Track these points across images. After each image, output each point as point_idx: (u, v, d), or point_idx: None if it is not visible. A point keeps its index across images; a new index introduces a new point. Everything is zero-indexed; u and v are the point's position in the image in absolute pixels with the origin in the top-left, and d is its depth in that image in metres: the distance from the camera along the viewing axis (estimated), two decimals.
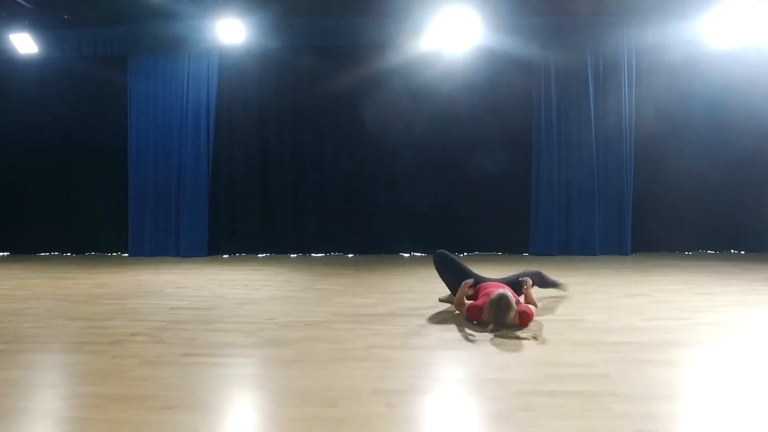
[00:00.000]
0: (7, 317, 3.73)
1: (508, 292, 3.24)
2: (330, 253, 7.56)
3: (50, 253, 7.81)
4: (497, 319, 3.09)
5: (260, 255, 7.52)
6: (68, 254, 7.73)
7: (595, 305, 3.80)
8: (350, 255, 7.46)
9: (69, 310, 3.96)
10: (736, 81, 6.87)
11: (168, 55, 7.29)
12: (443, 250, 3.93)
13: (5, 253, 7.86)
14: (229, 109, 7.46)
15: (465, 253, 7.38)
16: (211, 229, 7.44)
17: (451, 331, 3.20)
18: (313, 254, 7.52)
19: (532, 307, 3.40)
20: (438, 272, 3.89)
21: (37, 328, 3.43)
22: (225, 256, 7.45)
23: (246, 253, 7.59)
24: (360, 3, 6.78)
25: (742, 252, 7.20)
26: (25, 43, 7.04)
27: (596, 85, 7.12)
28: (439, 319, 3.53)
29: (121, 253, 7.64)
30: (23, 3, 6.48)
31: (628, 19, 6.95)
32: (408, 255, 7.41)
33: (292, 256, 7.45)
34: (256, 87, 7.42)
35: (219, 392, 2.32)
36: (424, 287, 4.71)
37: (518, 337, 2.92)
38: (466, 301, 3.48)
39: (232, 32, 6.73)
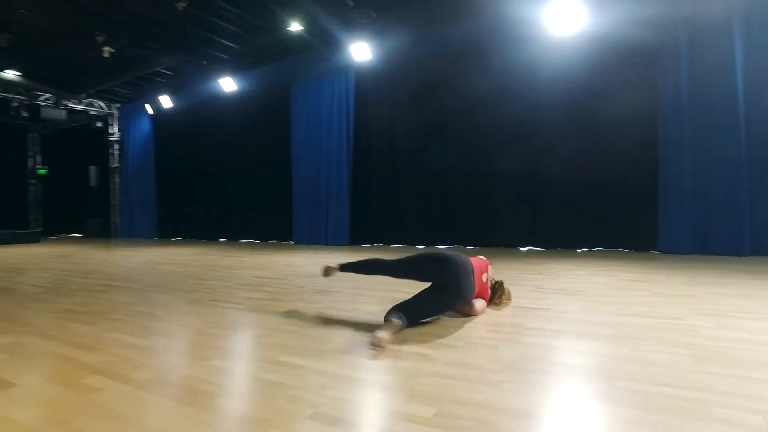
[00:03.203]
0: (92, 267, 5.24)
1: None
2: (453, 245, 7.99)
3: (246, 240, 10.16)
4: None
5: (392, 245, 8.40)
6: (257, 241, 9.92)
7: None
8: (470, 247, 7.77)
9: (121, 270, 5.48)
10: None
11: (317, 80, 8.83)
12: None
13: (223, 239, 10.52)
14: (365, 120, 8.61)
15: (585, 249, 6.99)
16: (352, 222, 8.66)
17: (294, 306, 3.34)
18: (438, 245, 8.05)
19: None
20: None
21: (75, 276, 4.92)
22: (364, 245, 8.56)
23: (383, 243, 8.57)
24: (466, 7, 7.08)
25: None
26: (228, 84, 9.41)
27: (747, 45, 5.89)
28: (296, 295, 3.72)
29: (291, 241, 9.46)
30: (222, 54, 8.76)
31: None
32: (525, 249, 7.35)
33: (419, 246, 8.13)
34: (386, 97, 8.40)
35: (42, 322, 2.93)
36: None
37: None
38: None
39: (362, 53, 7.85)
